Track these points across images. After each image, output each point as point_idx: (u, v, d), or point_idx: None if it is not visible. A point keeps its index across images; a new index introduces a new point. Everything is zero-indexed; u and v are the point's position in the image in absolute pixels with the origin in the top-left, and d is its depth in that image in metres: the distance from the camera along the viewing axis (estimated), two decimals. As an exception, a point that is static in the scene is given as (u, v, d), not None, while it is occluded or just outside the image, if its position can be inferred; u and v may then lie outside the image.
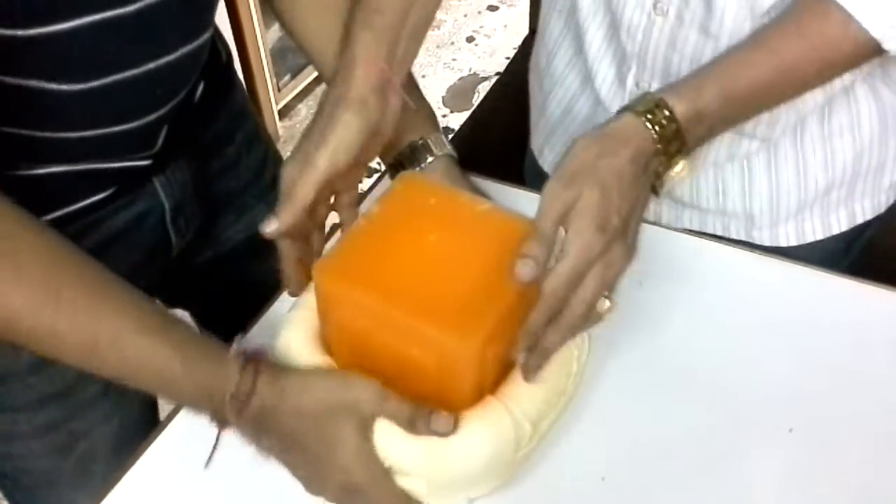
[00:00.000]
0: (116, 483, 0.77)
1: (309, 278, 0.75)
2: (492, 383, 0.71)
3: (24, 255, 0.63)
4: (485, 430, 0.68)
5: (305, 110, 2.72)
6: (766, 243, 0.95)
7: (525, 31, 1.58)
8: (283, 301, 0.83)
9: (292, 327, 0.75)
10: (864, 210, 0.94)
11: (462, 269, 0.68)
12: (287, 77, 2.57)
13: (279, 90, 2.52)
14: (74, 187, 0.82)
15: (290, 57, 2.62)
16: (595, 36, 0.91)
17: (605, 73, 0.92)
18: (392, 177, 0.85)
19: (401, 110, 0.76)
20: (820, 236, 0.94)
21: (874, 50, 0.73)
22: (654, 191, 0.73)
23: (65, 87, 0.71)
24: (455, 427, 0.66)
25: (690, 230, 0.97)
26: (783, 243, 0.95)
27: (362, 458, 0.66)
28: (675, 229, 0.96)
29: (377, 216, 0.72)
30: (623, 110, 0.72)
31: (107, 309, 0.65)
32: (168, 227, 0.92)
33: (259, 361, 0.66)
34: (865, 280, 0.89)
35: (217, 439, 0.71)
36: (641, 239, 0.82)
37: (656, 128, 0.70)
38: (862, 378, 0.81)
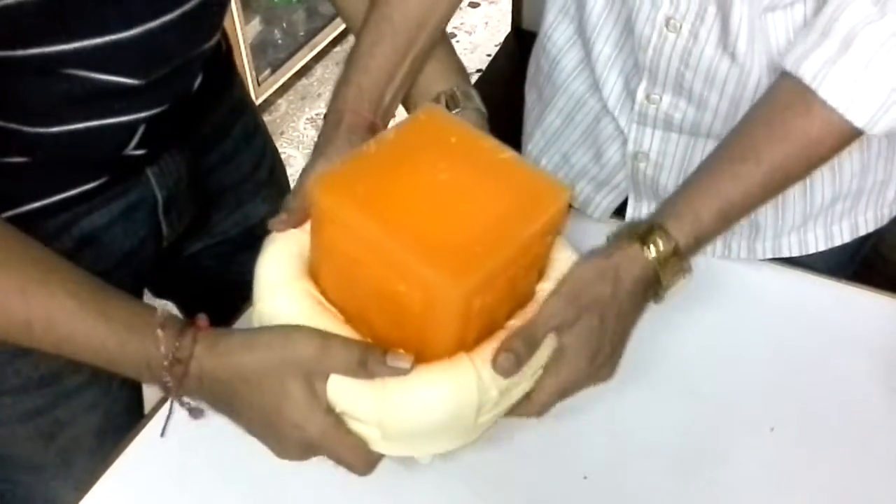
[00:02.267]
0: (102, 475, 0.77)
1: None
2: (473, 341, 0.66)
3: None
4: (447, 385, 0.65)
5: (285, 105, 2.71)
6: (769, 256, 0.95)
7: (507, 29, 1.58)
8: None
9: (274, 247, 0.72)
10: (867, 222, 0.95)
11: (468, 213, 0.65)
12: (267, 72, 2.56)
13: (259, 84, 2.51)
14: (65, 175, 0.82)
15: (270, 51, 2.61)
16: (605, 46, 0.90)
17: (613, 84, 0.91)
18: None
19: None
20: (822, 247, 0.95)
21: (856, 136, 0.74)
22: (655, 301, 0.76)
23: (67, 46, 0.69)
24: (412, 366, 0.63)
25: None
26: (786, 254, 0.95)
27: (312, 412, 0.65)
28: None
29: (391, 142, 0.68)
30: (623, 235, 0.74)
31: (39, 291, 0.66)
32: (160, 219, 0.91)
33: (198, 327, 0.66)
34: (848, 282, 0.91)
35: (170, 408, 0.71)
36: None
37: (657, 254, 0.72)
38: (842, 378, 0.82)
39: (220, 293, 0.94)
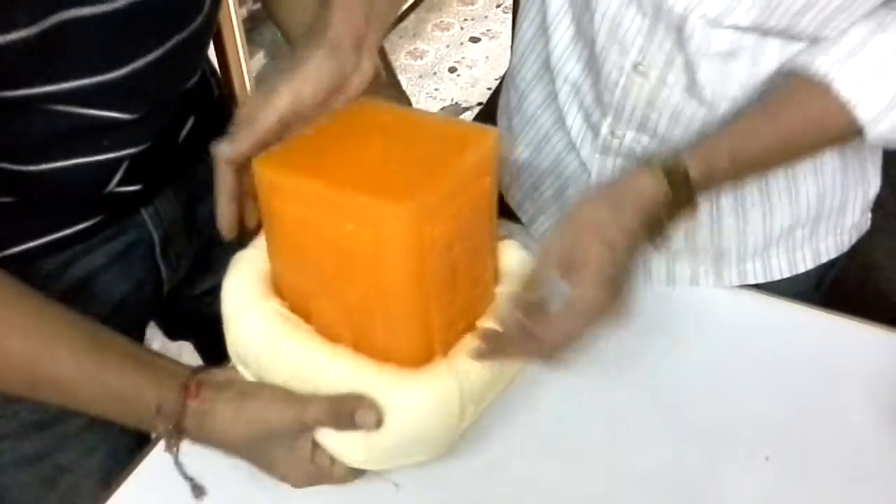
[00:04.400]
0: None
1: (241, 223, 0.73)
2: (435, 294, 0.66)
3: None
4: (431, 399, 0.66)
5: (288, 137, 2.74)
6: (735, 283, 0.97)
7: (507, 63, 1.60)
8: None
9: (236, 271, 0.74)
10: (829, 249, 0.97)
11: (404, 160, 0.67)
12: (270, 105, 2.58)
13: (262, 117, 2.53)
14: (55, 214, 0.82)
15: (274, 85, 2.63)
16: (565, 83, 0.92)
17: (574, 116, 0.93)
18: None
19: (371, 77, 0.72)
20: (786, 273, 0.97)
21: (857, 133, 0.76)
22: (654, 243, 0.75)
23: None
24: (380, 420, 0.65)
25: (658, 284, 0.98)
26: (751, 280, 0.97)
27: (297, 466, 0.70)
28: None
29: (325, 125, 0.70)
30: (636, 166, 0.74)
31: (44, 354, 0.69)
32: (158, 260, 0.92)
33: (189, 397, 0.69)
34: (836, 312, 0.92)
35: (178, 466, 0.73)
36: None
37: (670, 185, 0.72)
38: (835, 407, 0.83)
39: None
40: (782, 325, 0.91)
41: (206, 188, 0.93)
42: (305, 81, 0.68)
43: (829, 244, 0.97)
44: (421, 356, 0.67)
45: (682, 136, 0.85)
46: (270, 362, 0.70)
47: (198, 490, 0.76)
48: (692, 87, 0.81)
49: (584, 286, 0.67)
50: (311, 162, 0.66)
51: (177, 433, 0.69)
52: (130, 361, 0.71)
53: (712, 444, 0.80)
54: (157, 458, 0.80)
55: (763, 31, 0.76)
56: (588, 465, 0.79)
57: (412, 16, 3.38)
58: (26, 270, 0.76)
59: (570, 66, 0.91)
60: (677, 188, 0.72)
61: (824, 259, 0.97)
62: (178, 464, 0.72)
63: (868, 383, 0.85)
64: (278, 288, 0.72)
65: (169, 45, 0.76)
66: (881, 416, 0.82)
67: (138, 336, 0.99)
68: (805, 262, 0.96)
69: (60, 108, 0.72)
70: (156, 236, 0.90)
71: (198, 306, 1.04)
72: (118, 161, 0.81)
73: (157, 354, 0.74)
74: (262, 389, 0.70)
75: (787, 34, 0.76)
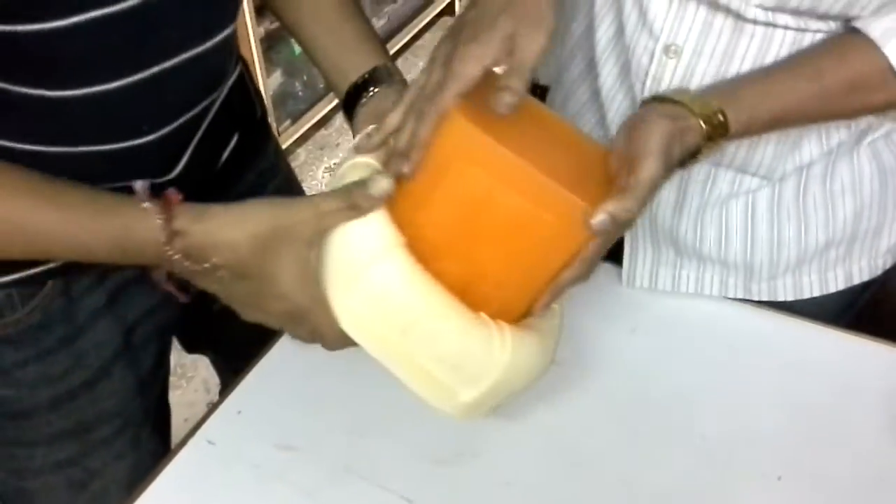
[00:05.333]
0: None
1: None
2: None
3: None
4: (542, 340, 0.73)
5: (304, 154, 2.76)
6: (765, 298, 0.97)
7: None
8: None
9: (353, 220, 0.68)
10: (861, 271, 0.97)
11: (580, 166, 0.72)
12: (287, 122, 2.61)
13: (279, 135, 2.56)
14: None
15: (291, 103, 2.66)
16: (607, 78, 0.94)
17: (615, 114, 0.95)
18: (347, 107, 0.85)
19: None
20: (817, 293, 0.97)
21: None
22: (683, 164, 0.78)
23: (77, 91, 0.69)
24: (390, 184, 0.66)
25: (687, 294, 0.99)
26: (781, 297, 0.97)
27: (303, 284, 0.66)
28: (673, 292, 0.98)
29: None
30: (687, 104, 0.77)
31: (24, 203, 0.67)
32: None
33: (169, 201, 0.67)
34: (851, 331, 0.92)
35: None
36: (635, 289, 0.84)
37: (711, 134, 0.76)
38: (850, 429, 0.83)
39: (249, 345, 0.95)
40: (799, 345, 0.91)
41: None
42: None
43: (863, 266, 0.97)
44: (517, 321, 0.72)
45: None
46: (417, 307, 0.68)
47: (182, 293, 0.74)
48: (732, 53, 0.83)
49: (654, 160, 0.71)
50: (506, 134, 0.67)
51: (173, 240, 0.65)
52: (100, 207, 0.68)
53: (725, 463, 0.80)
54: (180, 465, 0.82)
55: (790, 10, 0.78)
56: (602, 480, 0.79)
57: (428, 35, 3.40)
58: (68, 282, 0.78)
59: (611, 65, 0.93)
60: (717, 141, 0.76)
61: (856, 281, 0.97)
62: (168, 287, 0.71)
63: (883, 403, 0.85)
64: (410, 231, 0.69)
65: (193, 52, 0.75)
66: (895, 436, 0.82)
67: (164, 346, 0.99)
68: (837, 282, 0.96)
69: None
70: None
71: (218, 321, 1.05)
72: (175, 142, 0.81)
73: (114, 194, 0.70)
74: (257, 200, 0.67)
75: (813, 14, 0.78)
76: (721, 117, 0.76)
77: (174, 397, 2.09)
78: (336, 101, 2.97)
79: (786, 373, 0.88)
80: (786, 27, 0.80)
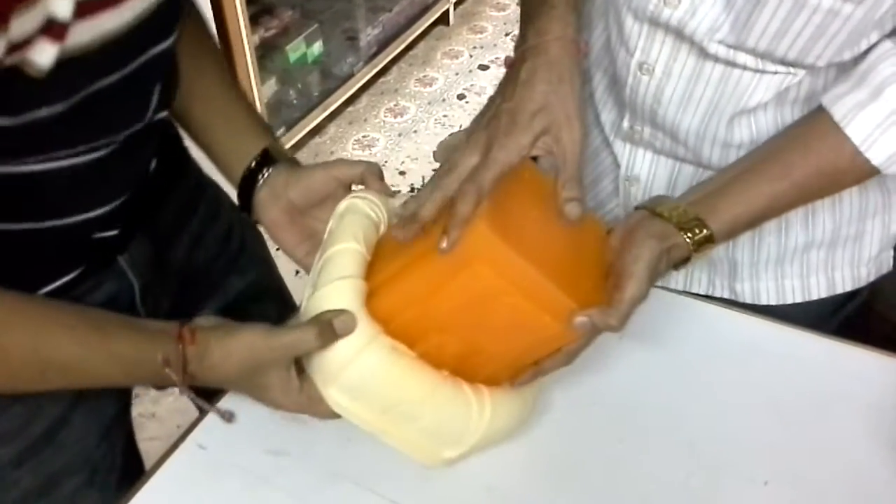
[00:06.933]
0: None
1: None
2: None
3: None
4: (522, 400, 0.81)
5: (298, 163, 2.76)
6: (748, 300, 0.99)
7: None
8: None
9: (334, 298, 0.75)
10: (844, 280, 0.98)
11: (580, 263, 0.78)
12: (282, 130, 2.61)
13: (274, 143, 2.56)
14: (44, 266, 0.81)
15: (285, 111, 2.67)
16: (599, 83, 1.00)
17: (608, 114, 1.00)
18: (243, 190, 0.89)
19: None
20: (799, 298, 0.98)
21: (875, 172, 0.82)
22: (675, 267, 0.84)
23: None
24: (354, 320, 0.74)
25: (676, 290, 1.01)
26: (764, 301, 0.98)
27: (289, 394, 0.77)
28: (662, 288, 0.99)
29: (512, 187, 0.76)
30: (673, 221, 0.82)
31: (46, 340, 0.72)
32: (138, 307, 0.90)
33: (184, 343, 0.75)
34: (837, 338, 0.93)
35: (196, 402, 0.82)
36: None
37: (697, 247, 0.82)
38: (837, 435, 0.84)
39: None
40: (785, 351, 0.92)
41: (172, 229, 0.95)
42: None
43: (846, 275, 0.98)
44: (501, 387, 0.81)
45: (690, 123, 0.90)
46: (396, 395, 0.75)
47: (228, 415, 0.87)
48: (699, 72, 0.86)
49: (640, 278, 0.77)
50: (517, 235, 0.72)
51: (187, 378, 0.75)
52: (126, 328, 0.76)
53: (712, 468, 0.81)
54: (170, 469, 0.83)
55: (747, 51, 0.81)
56: (589, 486, 0.80)
57: (422, 44, 3.42)
58: None
59: (601, 71, 0.98)
60: (701, 251, 0.82)
61: (839, 290, 0.98)
62: (196, 402, 0.82)
63: (869, 409, 0.86)
64: (384, 314, 0.76)
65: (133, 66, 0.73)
66: (881, 442, 0.83)
67: (126, 389, 0.98)
68: (819, 288, 0.98)
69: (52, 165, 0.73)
70: (136, 284, 0.89)
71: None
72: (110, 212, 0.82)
73: (144, 319, 0.80)
74: (244, 327, 0.76)
75: (771, 57, 0.80)
76: (701, 231, 0.81)
77: (167, 404, 2.09)
78: (331, 110, 2.98)
79: (773, 379, 0.89)
80: (744, 67, 0.83)
